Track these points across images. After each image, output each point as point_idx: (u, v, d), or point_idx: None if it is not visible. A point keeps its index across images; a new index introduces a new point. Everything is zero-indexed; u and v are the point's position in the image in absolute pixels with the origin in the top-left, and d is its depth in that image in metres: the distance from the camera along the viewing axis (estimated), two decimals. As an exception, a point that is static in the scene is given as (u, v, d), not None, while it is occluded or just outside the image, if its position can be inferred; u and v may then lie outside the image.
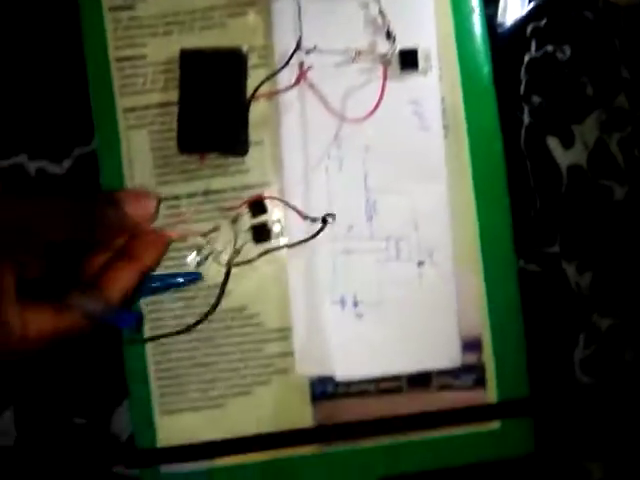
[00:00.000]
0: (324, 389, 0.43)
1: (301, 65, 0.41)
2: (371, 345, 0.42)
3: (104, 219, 0.35)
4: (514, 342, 0.43)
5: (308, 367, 0.43)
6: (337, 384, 0.43)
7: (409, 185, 0.42)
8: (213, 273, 0.43)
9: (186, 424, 0.44)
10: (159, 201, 0.39)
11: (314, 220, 0.41)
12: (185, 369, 0.43)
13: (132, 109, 0.44)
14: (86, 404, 0.46)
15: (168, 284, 0.43)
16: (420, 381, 0.43)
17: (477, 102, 0.43)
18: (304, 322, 0.43)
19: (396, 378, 0.43)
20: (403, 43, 0.42)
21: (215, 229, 0.43)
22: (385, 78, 0.41)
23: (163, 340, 0.43)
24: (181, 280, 0.42)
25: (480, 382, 0.43)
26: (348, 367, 0.42)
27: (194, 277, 0.43)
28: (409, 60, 0.41)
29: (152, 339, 0.43)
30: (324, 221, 0.41)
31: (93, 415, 0.46)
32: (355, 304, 0.42)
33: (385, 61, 0.41)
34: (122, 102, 0.44)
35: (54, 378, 0.46)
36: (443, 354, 0.42)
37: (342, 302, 0.42)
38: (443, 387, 0.43)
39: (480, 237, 0.43)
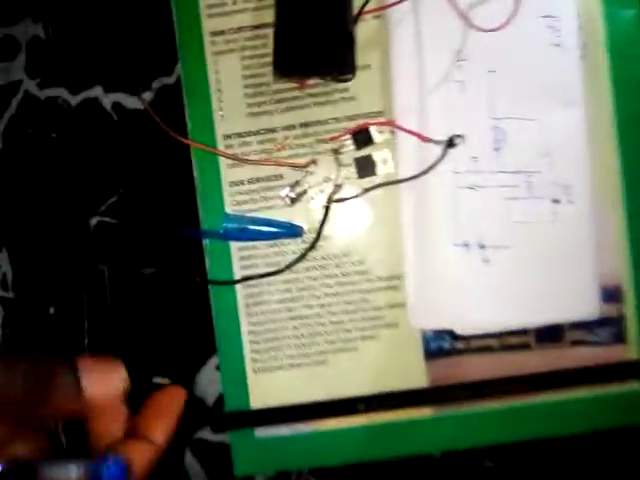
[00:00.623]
0: (440, 345, 0.38)
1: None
2: (498, 294, 0.37)
3: (58, 387, 0.28)
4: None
5: (424, 320, 0.38)
6: (455, 339, 0.38)
7: (541, 111, 0.37)
8: (311, 212, 0.39)
9: (282, 383, 0.39)
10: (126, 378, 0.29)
11: (437, 143, 0.36)
12: (281, 322, 0.39)
13: (220, 32, 0.39)
14: (167, 362, 0.42)
15: (258, 234, 0.38)
16: (550, 335, 0.38)
17: (619, 17, 0.37)
18: (419, 269, 0.38)
19: (523, 332, 0.38)
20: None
21: (313, 161, 0.38)
22: (521, -13, 0.36)
23: (256, 288, 0.39)
24: (276, 231, 0.38)
25: (619, 337, 0.37)
26: (471, 319, 0.37)
27: (293, 232, 0.39)
28: (542, -33, 0.36)
29: (242, 281, 0.39)
30: (450, 144, 0.35)
31: (175, 374, 0.42)
32: (481, 247, 0.37)
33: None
34: (209, 24, 0.39)
35: (131, 330, 0.41)
36: (579, 304, 0.37)
37: (465, 245, 0.37)
38: (577, 342, 0.38)
39: (622, 171, 0.37)
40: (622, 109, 0.37)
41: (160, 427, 0.29)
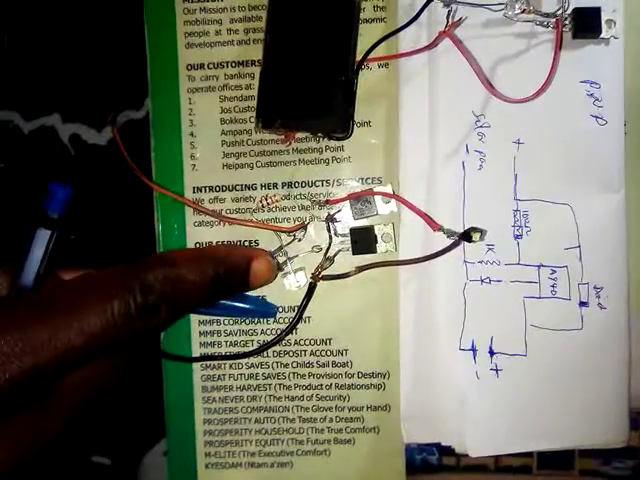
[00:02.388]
0: (425, 459, 0.32)
1: (449, 14, 0.29)
2: (508, 410, 0.31)
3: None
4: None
5: (417, 432, 0.32)
6: (444, 453, 0.32)
7: (574, 194, 0.31)
8: (292, 289, 0.33)
9: (238, 484, 0.33)
10: None
11: (451, 235, 0.30)
12: (242, 412, 0.33)
13: (199, 66, 0.33)
14: (110, 440, 0.36)
15: (223, 309, 0.32)
16: (557, 461, 0.32)
17: (669, 89, 0.31)
18: (415, 370, 0.32)
19: (524, 453, 0.32)
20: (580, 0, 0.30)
21: (301, 227, 0.32)
22: (559, 46, 0.29)
23: (216, 370, 0.33)
24: (247, 307, 0.32)
25: (641, 472, 0.32)
26: (474, 438, 0.31)
27: (266, 312, 0.33)
28: (587, 23, 0.30)
29: (200, 359, 0.33)
30: (467, 238, 0.29)
31: (119, 455, 0.36)
32: (491, 353, 0.31)
33: (558, 21, 0.29)
34: (187, 56, 0.33)
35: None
36: (604, 429, 0.31)
37: (473, 349, 0.31)
38: (587, 473, 0.32)
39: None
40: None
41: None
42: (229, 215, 0.33)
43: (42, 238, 0.26)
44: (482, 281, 0.31)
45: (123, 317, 0.24)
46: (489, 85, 0.30)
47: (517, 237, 0.31)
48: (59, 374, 0.23)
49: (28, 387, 0.22)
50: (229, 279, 0.29)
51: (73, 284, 0.26)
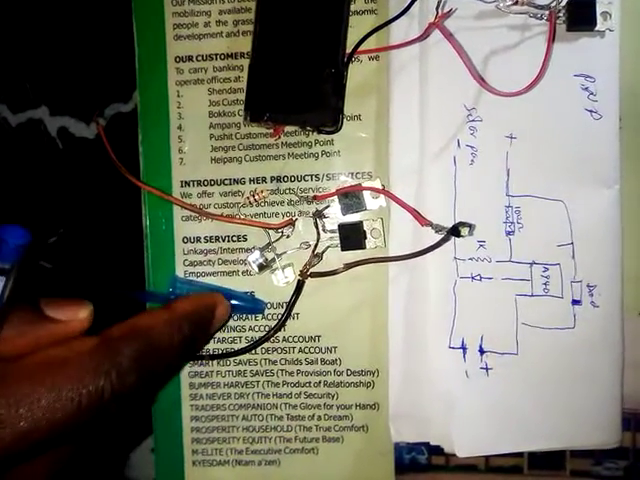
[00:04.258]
0: (414, 458, 0.32)
1: (439, 4, 0.28)
2: (498, 410, 0.30)
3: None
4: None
5: (406, 431, 0.31)
6: (433, 452, 0.32)
7: (568, 190, 0.30)
8: (280, 285, 0.32)
9: (225, 482, 0.33)
10: None
11: (439, 230, 0.29)
12: (229, 410, 0.33)
13: (188, 58, 0.32)
14: (98, 438, 0.36)
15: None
16: (547, 461, 0.31)
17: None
18: (404, 368, 0.31)
19: (515, 454, 0.31)
20: (574, -10, 0.29)
21: (289, 223, 0.32)
22: (552, 38, 0.28)
23: (203, 367, 0.33)
24: (235, 303, 0.31)
25: (633, 474, 0.31)
26: (463, 438, 0.30)
27: (255, 308, 0.32)
28: (582, 15, 0.29)
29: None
30: (455, 233, 0.28)
31: (105, 454, 0.36)
32: (481, 352, 0.31)
33: (551, 14, 0.28)
34: (175, 48, 0.32)
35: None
36: (596, 429, 0.30)
37: (463, 348, 0.31)
38: (578, 473, 0.31)
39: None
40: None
41: None
42: (218, 209, 0.32)
43: None
44: (473, 278, 0.30)
45: (95, 405, 0.22)
46: (480, 79, 0.29)
47: (509, 234, 0.30)
48: (16, 460, 0.22)
49: None
50: (198, 334, 0.28)
51: (43, 363, 0.23)
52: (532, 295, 0.30)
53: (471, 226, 0.29)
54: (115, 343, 0.24)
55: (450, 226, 0.28)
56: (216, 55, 0.32)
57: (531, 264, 0.30)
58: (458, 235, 0.28)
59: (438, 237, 0.29)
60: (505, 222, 0.30)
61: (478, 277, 0.30)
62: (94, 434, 0.27)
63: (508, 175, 0.30)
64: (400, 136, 0.31)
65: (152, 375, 0.25)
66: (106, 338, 0.24)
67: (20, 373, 0.22)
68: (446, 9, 0.28)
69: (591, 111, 0.30)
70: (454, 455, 0.31)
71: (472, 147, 0.30)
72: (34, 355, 0.23)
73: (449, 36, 0.28)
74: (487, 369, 0.30)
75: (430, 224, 0.29)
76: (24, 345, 0.23)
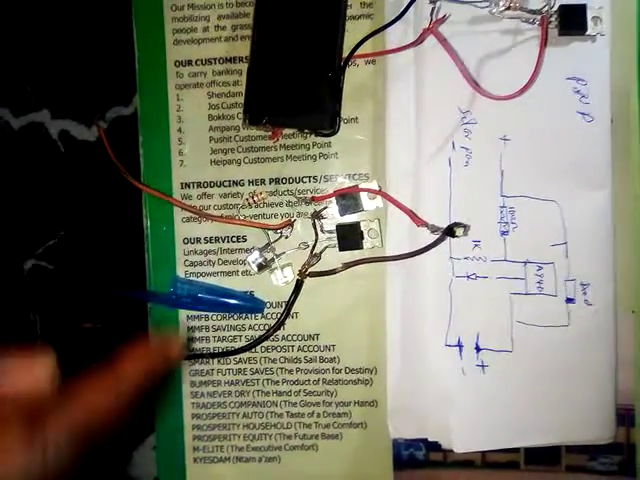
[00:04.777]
0: (412, 454, 0.32)
1: (432, 11, 0.29)
2: (494, 406, 0.31)
3: None
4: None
5: (404, 428, 0.32)
6: (431, 449, 0.32)
7: (561, 190, 0.31)
8: (279, 284, 0.33)
9: (226, 479, 0.34)
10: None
11: (435, 230, 0.30)
12: (230, 407, 0.33)
13: (187, 62, 0.33)
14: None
15: (212, 305, 0.32)
16: (543, 457, 0.32)
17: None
18: (403, 368, 0.32)
19: (512, 449, 0.32)
20: (565, -4, 0.30)
21: (288, 224, 0.32)
22: (544, 43, 0.29)
23: (204, 365, 0.33)
24: (235, 303, 0.32)
25: (626, 468, 0.31)
26: (460, 434, 0.31)
27: (254, 307, 0.33)
28: (573, 20, 0.30)
29: (188, 357, 0.33)
30: (450, 233, 0.29)
31: (109, 454, 0.36)
32: (477, 350, 0.31)
33: (543, 18, 0.29)
34: (175, 52, 0.33)
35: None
36: (591, 425, 0.31)
37: (459, 345, 0.31)
38: (574, 468, 0.32)
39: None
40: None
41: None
42: (217, 210, 0.33)
43: None
44: (468, 277, 0.31)
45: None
46: (474, 82, 0.30)
47: (503, 233, 0.31)
48: None
49: None
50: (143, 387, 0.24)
51: None
52: (527, 293, 0.31)
53: (466, 227, 0.30)
54: (43, 419, 0.21)
55: (445, 226, 0.29)
56: (215, 59, 0.33)
57: (525, 263, 0.31)
58: (453, 235, 0.28)
59: (434, 237, 0.30)
60: (500, 222, 0.31)
61: (473, 276, 0.31)
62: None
63: (502, 176, 0.31)
64: (396, 138, 0.31)
65: (94, 438, 0.22)
66: (31, 413, 0.21)
67: None
68: (440, 15, 0.29)
69: (583, 114, 0.31)
70: (451, 451, 0.31)
71: (467, 149, 0.31)
72: None
73: (443, 41, 0.29)
74: (483, 366, 0.31)
75: (426, 224, 0.30)
76: None
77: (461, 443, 0.31)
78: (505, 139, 0.31)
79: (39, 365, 0.23)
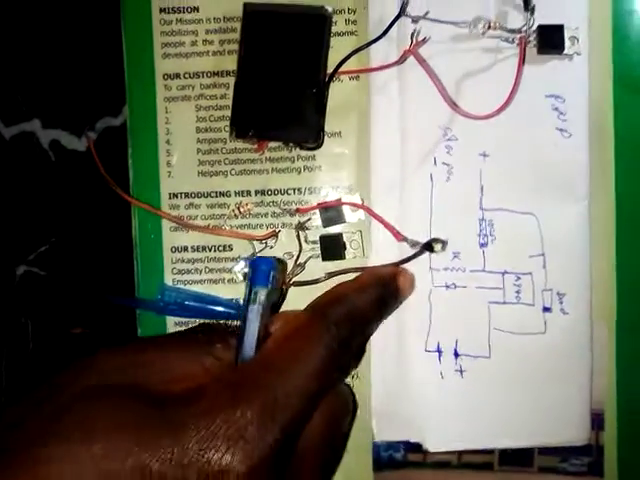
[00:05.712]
0: (391, 455, 0.34)
1: (413, 33, 0.30)
2: (472, 409, 0.32)
3: None
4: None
5: (387, 430, 0.33)
6: (409, 450, 0.34)
7: (539, 204, 0.32)
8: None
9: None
10: None
11: (414, 245, 0.31)
12: (217, 410, 0.34)
13: (175, 75, 0.34)
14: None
15: (199, 312, 0.33)
16: (517, 458, 0.33)
17: (631, 103, 0.32)
18: (384, 371, 0.33)
19: (487, 450, 0.33)
20: (544, 17, 0.31)
21: (272, 234, 0.33)
22: (522, 62, 0.30)
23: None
24: (220, 310, 0.33)
25: (596, 469, 0.33)
26: (440, 435, 0.33)
27: (238, 315, 0.34)
28: (552, 39, 0.30)
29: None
30: (429, 248, 0.30)
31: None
32: (456, 355, 0.32)
33: (522, 38, 0.30)
34: (163, 65, 0.34)
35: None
36: (566, 427, 0.32)
37: (439, 351, 0.32)
38: (546, 470, 0.33)
39: (618, 279, 0.32)
40: (625, 208, 0.32)
41: None
42: (204, 220, 0.34)
43: (253, 313, 0.27)
44: (447, 287, 0.32)
45: (331, 357, 0.25)
46: (453, 103, 0.31)
47: (482, 245, 0.32)
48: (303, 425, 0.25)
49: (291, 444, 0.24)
50: (387, 298, 0.30)
51: (286, 337, 0.26)
52: (504, 302, 0.32)
53: (444, 242, 0.31)
54: (323, 308, 0.27)
55: (424, 242, 0.30)
56: (203, 73, 0.33)
57: (504, 273, 0.32)
58: (432, 251, 0.29)
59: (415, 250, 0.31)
60: (479, 234, 0.32)
61: (453, 286, 0.32)
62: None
63: (482, 191, 0.32)
64: (381, 153, 0.32)
65: (361, 336, 0.28)
66: (317, 308, 0.28)
67: (268, 362, 0.25)
68: (422, 36, 0.30)
69: (561, 130, 0.31)
70: (429, 452, 0.33)
71: (448, 165, 0.32)
72: (275, 346, 0.26)
73: (423, 62, 0.30)
74: (461, 371, 0.32)
75: (405, 239, 0.31)
76: None
77: (435, 442, 0.32)
78: (485, 155, 0.32)
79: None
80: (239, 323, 0.27)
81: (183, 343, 0.27)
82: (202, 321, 0.34)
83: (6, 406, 0.24)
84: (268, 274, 0.27)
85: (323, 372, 0.25)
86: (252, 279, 0.28)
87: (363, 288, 0.29)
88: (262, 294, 0.27)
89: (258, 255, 0.28)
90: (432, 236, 0.31)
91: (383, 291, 0.30)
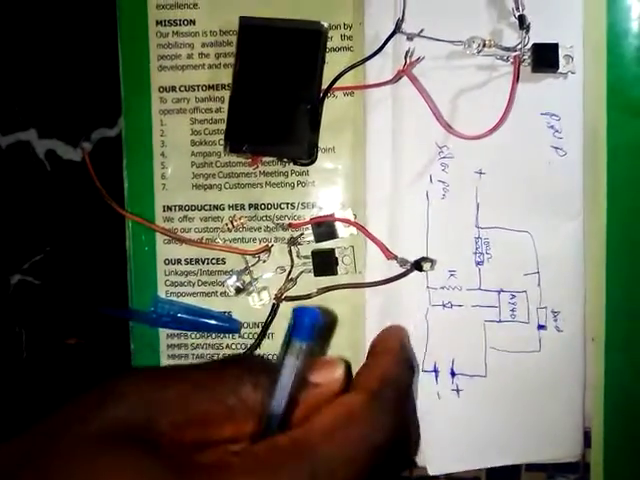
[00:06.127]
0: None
1: (407, 54, 0.30)
2: (468, 428, 0.32)
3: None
4: (633, 442, 0.33)
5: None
6: (398, 466, 0.34)
7: (534, 222, 0.32)
8: (256, 306, 0.34)
9: None
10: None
11: (404, 264, 0.31)
12: (209, 422, 0.35)
13: (171, 88, 0.34)
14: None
15: (191, 324, 0.34)
16: (504, 474, 0.33)
17: (624, 123, 0.32)
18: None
19: (473, 467, 0.33)
20: (539, 35, 0.31)
21: (265, 249, 0.33)
22: (516, 79, 0.30)
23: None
24: (212, 323, 0.33)
25: (583, 487, 0.33)
26: (444, 458, 0.32)
27: (231, 327, 0.34)
28: (546, 58, 0.30)
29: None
30: (418, 267, 0.30)
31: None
32: (452, 374, 0.32)
33: (517, 56, 0.30)
34: (159, 78, 0.34)
35: (46, 403, 0.37)
36: (560, 444, 0.32)
37: (435, 371, 0.32)
38: (534, 487, 0.33)
39: (607, 297, 0.32)
40: (616, 226, 0.32)
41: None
42: (198, 233, 0.34)
43: (289, 367, 0.24)
44: (444, 306, 0.32)
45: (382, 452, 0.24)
46: (446, 123, 0.31)
47: (478, 264, 0.32)
48: None
49: None
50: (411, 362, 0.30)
51: (333, 423, 0.24)
52: (500, 321, 0.32)
53: (432, 261, 0.31)
54: (380, 394, 0.25)
55: (413, 260, 0.30)
56: (198, 86, 0.34)
57: (499, 292, 0.32)
58: (420, 270, 0.30)
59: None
60: (475, 253, 0.32)
61: (449, 304, 0.32)
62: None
63: (478, 209, 0.32)
64: (375, 170, 0.32)
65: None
66: (369, 391, 0.25)
67: (320, 430, 0.23)
68: (416, 55, 0.30)
69: (556, 148, 0.31)
70: (421, 467, 0.33)
71: (444, 182, 0.32)
72: (322, 416, 0.24)
73: (416, 81, 0.30)
74: (458, 390, 0.32)
75: (395, 257, 0.31)
76: (303, 411, 0.24)
77: (436, 465, 0.32)
78: (480, 172, 0.32)
79: (338, 367, 0.26)
80: (276, 360, 0.25)
81: (209, 379, 0.24)
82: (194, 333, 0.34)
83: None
84: (311, 328, 0.25)
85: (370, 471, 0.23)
86: (292, 329, 0.25)
87: (398, 362, 0.28)
88: (301, 347, 0.24)
89: (301, 306, 0.25)
90: (429, 254, 0.31)
91: (408, 355, 0.30)
